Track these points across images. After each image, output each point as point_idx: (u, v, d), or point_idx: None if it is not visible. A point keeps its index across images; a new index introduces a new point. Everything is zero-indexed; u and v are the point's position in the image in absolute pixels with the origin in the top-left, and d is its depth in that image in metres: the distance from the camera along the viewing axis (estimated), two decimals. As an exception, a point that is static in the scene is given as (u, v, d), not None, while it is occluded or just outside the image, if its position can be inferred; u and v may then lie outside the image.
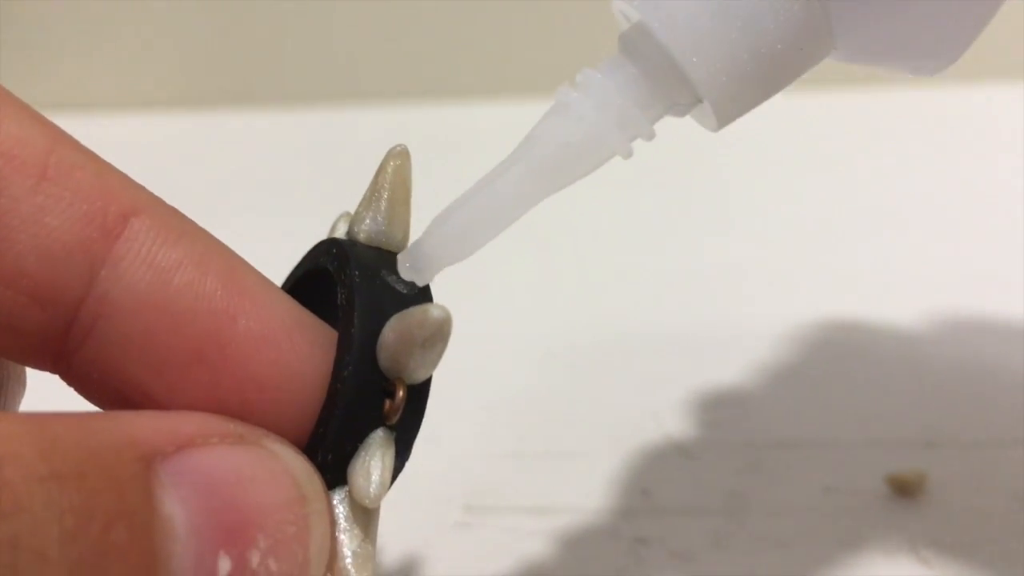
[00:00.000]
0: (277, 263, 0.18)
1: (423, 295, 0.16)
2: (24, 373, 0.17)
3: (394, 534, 0.25)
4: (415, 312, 0.15)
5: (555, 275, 0.37)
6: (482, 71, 0.51)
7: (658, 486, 0.27)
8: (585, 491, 0.27)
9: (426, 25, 0.50)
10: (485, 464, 0.28)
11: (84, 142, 0.15)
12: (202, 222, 0.16)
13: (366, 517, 0.15)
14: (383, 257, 0.16)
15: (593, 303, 0.35)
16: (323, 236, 0.17)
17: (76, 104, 0.50)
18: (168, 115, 0.50)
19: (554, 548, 0.25)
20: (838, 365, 0.31)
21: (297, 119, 0.50)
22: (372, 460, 0.15)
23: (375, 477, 0.15)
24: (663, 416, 0.29)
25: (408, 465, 0.16)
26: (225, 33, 0.51)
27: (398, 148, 0.17)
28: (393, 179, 0.16)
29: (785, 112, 0.47)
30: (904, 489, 0.26)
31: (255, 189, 0.44)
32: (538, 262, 0.38)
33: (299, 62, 0.51)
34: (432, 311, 0.15)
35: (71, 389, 0.15)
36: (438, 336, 0.15)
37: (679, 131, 0.49)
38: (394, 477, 0.15)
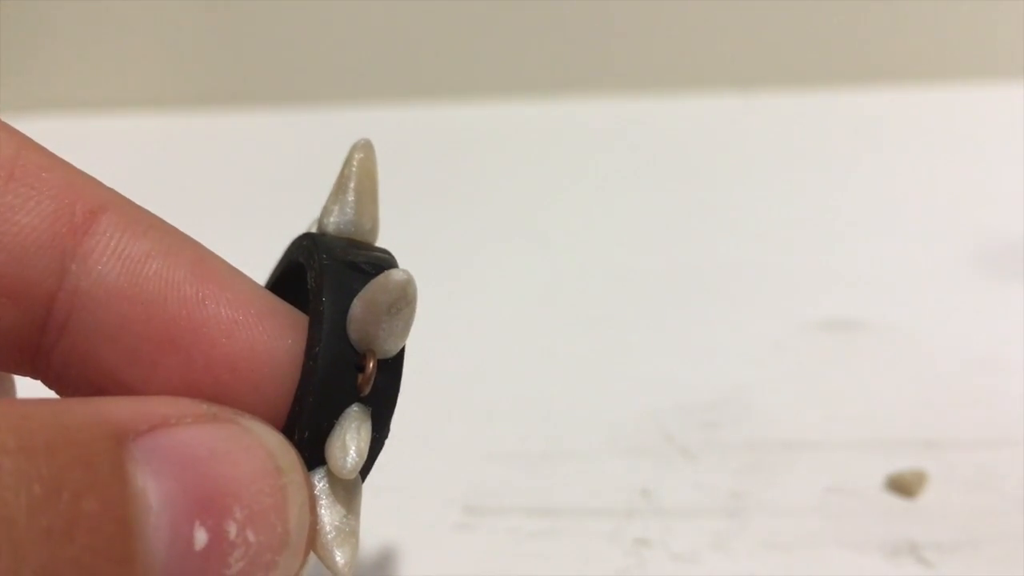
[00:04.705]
0: (274, 261, 0.18)
1: None
2: (13, 385, 0.17)
3: (394, 535, 0.25)
4: (377, 280, 0.15)
5: (555, 275, 0.37)
6: (481, 71, 0.51)
7: (658, 486, 0.27)
8: (585, 491, 0.27)
9: (426, 25, 0.50)
10: (485, 464, 0.28)
11: (84, 142, 0.15)
12: (200, 221, 0.16)
13: (347, 493, 0.15)
14: (352, 245, 0.16)
15: (593, 303, 0.35)
16: None
17: (76, 104, 0.50)
18: (167, 115, 0.50)
19: (555, 549, 0.25)
20: (838, 365, 0.31)
21: (297, 119, 0.50)
22: (348, 433, 0.15)
23: (351, 450, 0.15)
24: (663, 416, 0.29)
25: (408, 466, 0.16)
26: (225, 33, 0.51)
27: (362, 141, 0.17)
28: (359, 171, 0.17)
29: (785, 112, 0.47)
30: (904, 489, 0.26)
31: (254, 189, 0.44)
32: (538, 262, 0.38)
33: (299, 62, 0.51)
34: (393, 275, 0.15)
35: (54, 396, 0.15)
36: (402, 300, 0.15)
37: (678, 132, 0.49)
38: (374, 453, 0.15)
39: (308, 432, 0.15)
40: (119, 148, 0.47)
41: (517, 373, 0.32)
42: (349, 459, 0.15)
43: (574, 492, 0.27)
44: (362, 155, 0.17)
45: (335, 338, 0.15)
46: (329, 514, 0.15)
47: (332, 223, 0.17)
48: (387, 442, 0.16)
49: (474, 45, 0.50)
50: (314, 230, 0.17)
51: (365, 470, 0.15)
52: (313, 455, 0.15)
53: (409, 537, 0.25)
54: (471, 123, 0.48)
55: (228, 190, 0.44)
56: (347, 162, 0.17)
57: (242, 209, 0.42)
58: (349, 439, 0.15)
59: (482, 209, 0.42)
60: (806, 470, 0.27)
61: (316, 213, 0.17)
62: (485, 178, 0.44)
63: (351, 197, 0.17)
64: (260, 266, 0.16)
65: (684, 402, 0.30)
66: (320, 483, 0.15)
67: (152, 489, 0.12)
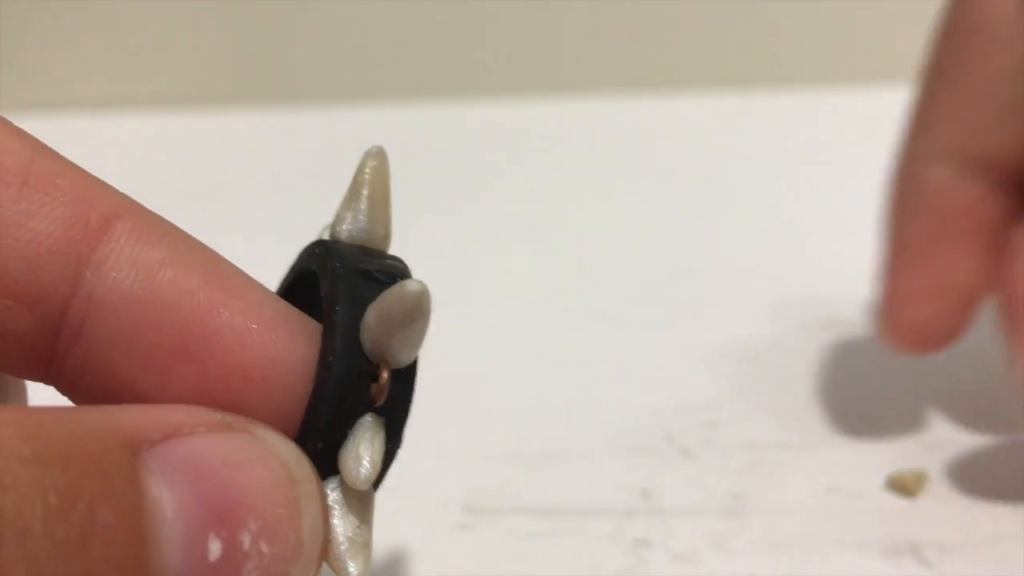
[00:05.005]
0: (276, 262, 0.18)
1: None
2: (24, 390, 0.17)
3: (394, 535, 0.25)
4: (392, 290, 0.15)
5: (554, 275, 0.37)
6: (482, 71, 0.51)
7: (658, 486, 0.27)
8: (585, 491, 0.27)
9: (425, 25, 0.50)
10: (485, 465, 0.28)
11: (84, 142, 0.15)
12: (201, 221, 0.16)
13: (361, 504, 0.15)
14: (365, 253, 0.16)
15: (593, 302, 0.35)
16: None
17: (76, 104, 0.50)
18: (168, 115, 0.50)
19: (555, 549, 0.25)
20: (839, 365, 0.31)
21: (297, 119, 0.50)
22: (361, 444, 0.15)
23: (365, 460, 0.15)
24: (663, 416, 0.29)
25: (408, 466, 0.16)
26: (225, 33, 0.51)
27: (375, 149, 0.17)
28: (372, 179, 0.17)
29: (785, 112, 0.47)
30: (904, 489, 0.26)
31: (255, 189, 0.44)
32: (538, 262, 0.38)
33: (299, 62, 0.51)
34: (408, 286, 0.15)
35: (68, 403, 0.15)
36: (417, 311, 0.15)
37: (678, 132, 0.49)
38: (387, 463, 0.15)
39: (321, 442, 0.15)
40: (119, 148, 0.47)
41: (517, 373, 0.32)
42: (363, 470, 0.15)
43: (574, 492, 0.27)
44: (375, 162, 0.17)
45: (349, 348, 0.15)
46: (342, 525, 0.15)
47: (345, 230, 0.17)
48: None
49: (474, 45, 0.50)
50: (326, 237, 0.17)
51: (378, 481, 0.15)
52: (326, 465, 0.15)
53: (409, 537, 0.25)
54: (471, 123, 0.48)
55: (228, 190, 0.44)
56: (360, 169, 0.17)
57: (241, 209, 0.42)
58: (363, 450, 0.15)
59: (481, 209, 0.42)
60: (806, 470, 0.27)
61: (317, 212, 0.17)
62: (484, 178, 0.44)
63: (364, 205, 0.17)
64: (259, 266, 0.16)
65: (684, 402, 0.30)
66: (333, 493, 0.15)
67: (166, 499, 0.12)
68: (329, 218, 0.17)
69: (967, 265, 0.25)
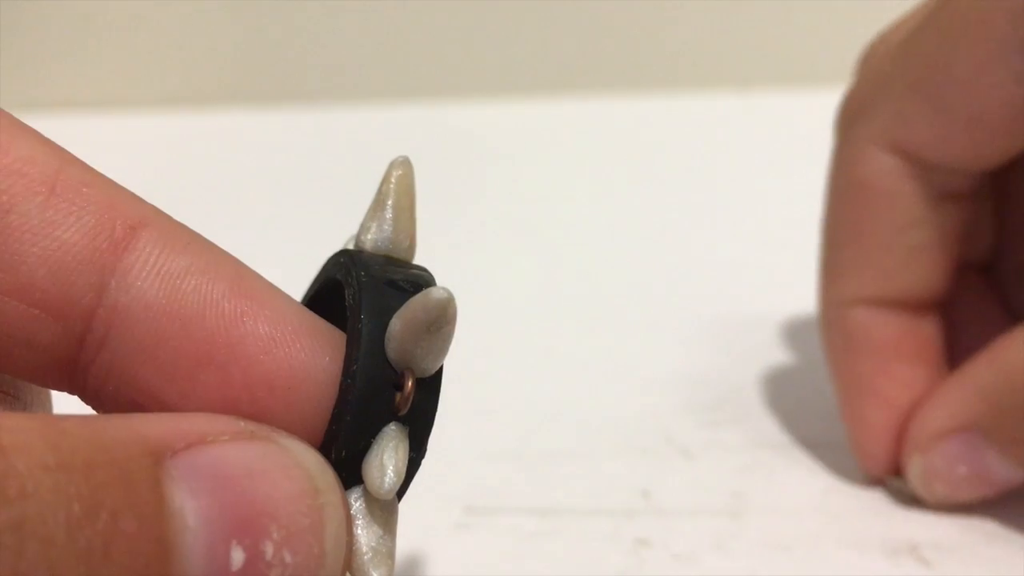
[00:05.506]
0: (277, 261, 0.18)
1: None
2: (49, 400, 0.17)
3: (394, 534, 0.25)
4: (417, 298, 0.15)
5: (555, 274, 0.37)
6: (482, 71, 0.51)
7: (659, 487, 0.27)
8: (585, 491, 0.27)
9: (426, 25, 0.50)
10: (485, 464, 0.28)
11: (84, 142, 0.15)
12: (202, 221, 0.16)
13: (384, 513, 0.15)
14: (390, 262, 0.16)
15: (593, 302, 0.35)
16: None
17: (76, 104, 0.50)
18: (168, 115, 0.50)
19: (555, 549, 0.25)
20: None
21: (297, 119, 0.50)
22: (385, 453, 0.15)
23: (389, 469, 0.15)
24: (663, 416, 0.29)
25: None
26: (225, 33, 0.51)
27: (400, 158, 0.17)
28: (397, 188, 0.17)
29: (785, 112, 0.47)
30: (904, 489, 0.26)
31: (255, 189, 0.44)
32: (538, 262, 0.38)
33: (299, 62, 0.51)
34: (434, 293, 0.15)
35: (92, 412, 0.15)
36: (443, 319, 0.15)
37: (677, 132, 0.49)
38: (411, 473, 0.15)
39: (345, 451, 0.15)
40: (120, 148, 0.47)
41: (517, 373, 0.32)
42: (387, 479, 0.15)
43: (574, 492, 0.27)
44: (400, 172, 0.17)
45: (373, 356, 0.15)
46: (366, 535, 0.15)
47: (370, 240, 0.17)
48: None
49: (474, 45, 0.50)
50: (351, 247, 0.17)
51: (402, 490, 0.15)
52: (350, 474, 0.15)
53: (409, 537, 0.25)
54: (471, 123, 0.48)
55: (228, 190, 0.44)
56: (385, 179, 0.17)
57: (241, 209, 0.42)
58: (387, 459, 0.15)
59: (482, 208, 0.42)
60: (806, 470, 0.27)
61: (317, 211, 0.17)
62: (485, 178, 0.44)
63: (389, 214, 0.17)
64: (259, 263, 0.16)
65: (684, 402, 0.30)
66: (356, 503, 0.15)
67: (189, 508, 0.12)
68: (329, 216, 0.17)
69: (919, 386, 0.26)
